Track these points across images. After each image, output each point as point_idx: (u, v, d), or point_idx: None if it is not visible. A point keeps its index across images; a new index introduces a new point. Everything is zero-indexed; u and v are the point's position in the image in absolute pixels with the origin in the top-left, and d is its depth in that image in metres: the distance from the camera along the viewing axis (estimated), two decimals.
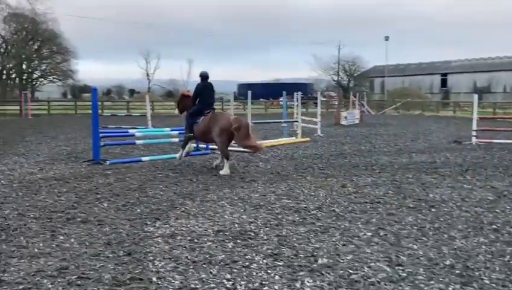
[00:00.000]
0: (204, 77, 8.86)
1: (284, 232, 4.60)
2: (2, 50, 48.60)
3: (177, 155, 9.19)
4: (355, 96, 27.36)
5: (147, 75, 70.82)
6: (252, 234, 4.54)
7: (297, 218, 5.16)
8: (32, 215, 5.15)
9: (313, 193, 6.46)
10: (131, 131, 10.26)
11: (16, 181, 7.22)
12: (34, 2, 29.83)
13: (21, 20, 46.46)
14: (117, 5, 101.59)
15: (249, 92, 13.05)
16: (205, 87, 8.88)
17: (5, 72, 49.12)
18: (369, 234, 4.60)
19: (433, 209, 5.60)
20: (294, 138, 14.15)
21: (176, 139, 10.90)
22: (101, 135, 9.31)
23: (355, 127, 19.89)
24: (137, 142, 10.24)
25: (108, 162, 9.01)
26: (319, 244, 4.26)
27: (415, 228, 4.80)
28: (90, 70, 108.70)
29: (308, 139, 14.04)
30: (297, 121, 15.05)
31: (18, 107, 28.71)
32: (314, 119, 16.59)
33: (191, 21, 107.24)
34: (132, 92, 71.91)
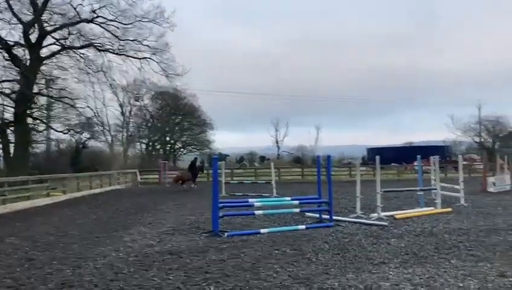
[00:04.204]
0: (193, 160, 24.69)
1: None
2: (149, 124, 54.31)
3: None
4: (503, 159, 24.05)
5: (276, 142, 72.87)
6: None
7: None
8: None
9: (461, 284, 5.11)
10: (250, 201, 9.86)
11: (132, 254, 7.12)
12: (172, 79, 33.02)
13: (165, 97, 51.84)
14: (247, 79, 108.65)
15: (377, 157, 11.95)
16: (192, 162, 24.18)
17: (150, 143, 54.58)
18: None
19: None
20: (432, 208, 12.44)
21: (297, 209, 10.22)
22: (220, 205, 9.05)
23: (507, 195, 17.08)
24: (257, 212, 9.77)
25: (226, 235, 8.62)
26: None
27: None
28: (225, 139, 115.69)
29: (449, 209, 12.22)
30: (435, 189, 13.29)
31: (157, 176, 31.01)
32: (455, 186, 14.59)
33: (319, 88, 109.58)
34: (263, 158, 74.11)
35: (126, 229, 9.89)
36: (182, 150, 61.62)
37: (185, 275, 5.76)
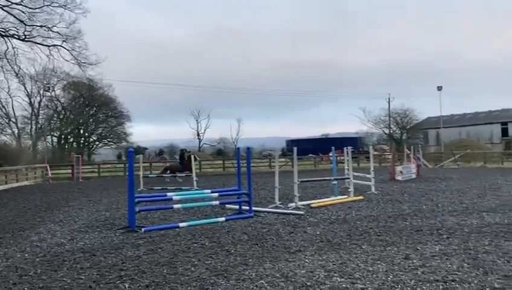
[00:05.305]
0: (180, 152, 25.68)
1: None
2: (61, 116, 51.22)
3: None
4: (409, 149, 25.88)
5: (198, 134, 72.19)
6: None
7: None
8: None
9: (370, 268, 5.39)
10: (169, 194, 9.65)
11: (40, 254, 6.66)
12: (85, 68, 31.41)
13: (79, 87, 49.14)
14: (167, 69, 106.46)
15: (295, 148, 12.26)
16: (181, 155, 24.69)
17: (63, 136, 51.51)
18: None
19: None
20: (346, 196, 13.05)
21: (217, 202, 10.18)
22: (136, 200, 8.76)
23: (413, 183, 18.42)
24: (175, 206, 9.58)
25: (143, 230, 8.36)
26: None
27: None
28: (144, 132, 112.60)
29: (361, 197, 12.89)
30: (348, 178, 13.95)
31: (70, 171, 29.41)
32: (367, 175, 15.43)
33: (240, 80, 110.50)
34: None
35: (34, 228, 9.25)
36: (98, 143, 59.01)
37: (98, 273, 5.49)
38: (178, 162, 25.21)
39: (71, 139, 54.40)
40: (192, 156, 21.79)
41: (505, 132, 58.52)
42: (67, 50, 29.47)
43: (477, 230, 7.65)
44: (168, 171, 23.08)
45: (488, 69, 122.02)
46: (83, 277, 5.34)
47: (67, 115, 52.31)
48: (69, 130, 52.51)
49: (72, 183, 24.79)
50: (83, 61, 30.64)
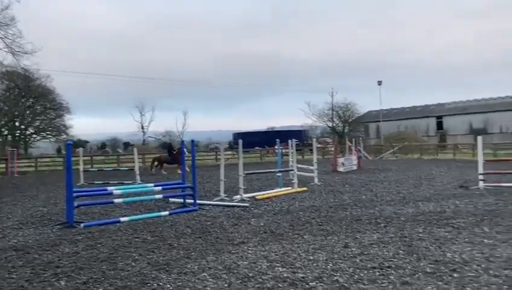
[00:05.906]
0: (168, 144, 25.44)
1: None
2: None
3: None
4: (351, 142, 26.70)
5: (142, 127, 70.58)
6: None
7: None
8: None
9: (311, 257, 5.50)
10: (109, 189, 9.33)
11: None
12: (19, 57, 29.69)
13: (13, 77, 46.45)
14: (109, 60, 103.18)
15: (240, 141, 12.29)
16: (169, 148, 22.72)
17: None
18: None
19: (455, 275, 4.66)
20: (290, 187, 13.25)
21: (160, 195, 10.01)
22: (75, 194, 8.42)
23: (354, 174, 19.03)
24: (116, 200, 9.31)
25: (82, 225, 8.07)
26: None
27: None
28: (85, 125, 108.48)
29: (305, 188, 13.15)
30: (292, 170, 14.18)
31: (4, 165, 27.83)
32: (310, 167, 15.76)
33: (185, 73, 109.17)
34: (127, 145, 71.19)
35: None
36: (35, 136, 56.22)
37: (32, 271, 5.23)
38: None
39: (5, 132, 51.45)
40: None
41: (439, 125, 61.72)
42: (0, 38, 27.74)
43: (413, 218, 8.01)
44: (156, 163, 22.62)
45: (425, 65, 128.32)
46: (14, 276, 5.07)
47: (1, 106, 49.36)
48: (3, 123, 49.60)
49: (6, 178, 23.49)
50: (17, 49, 28.98)
